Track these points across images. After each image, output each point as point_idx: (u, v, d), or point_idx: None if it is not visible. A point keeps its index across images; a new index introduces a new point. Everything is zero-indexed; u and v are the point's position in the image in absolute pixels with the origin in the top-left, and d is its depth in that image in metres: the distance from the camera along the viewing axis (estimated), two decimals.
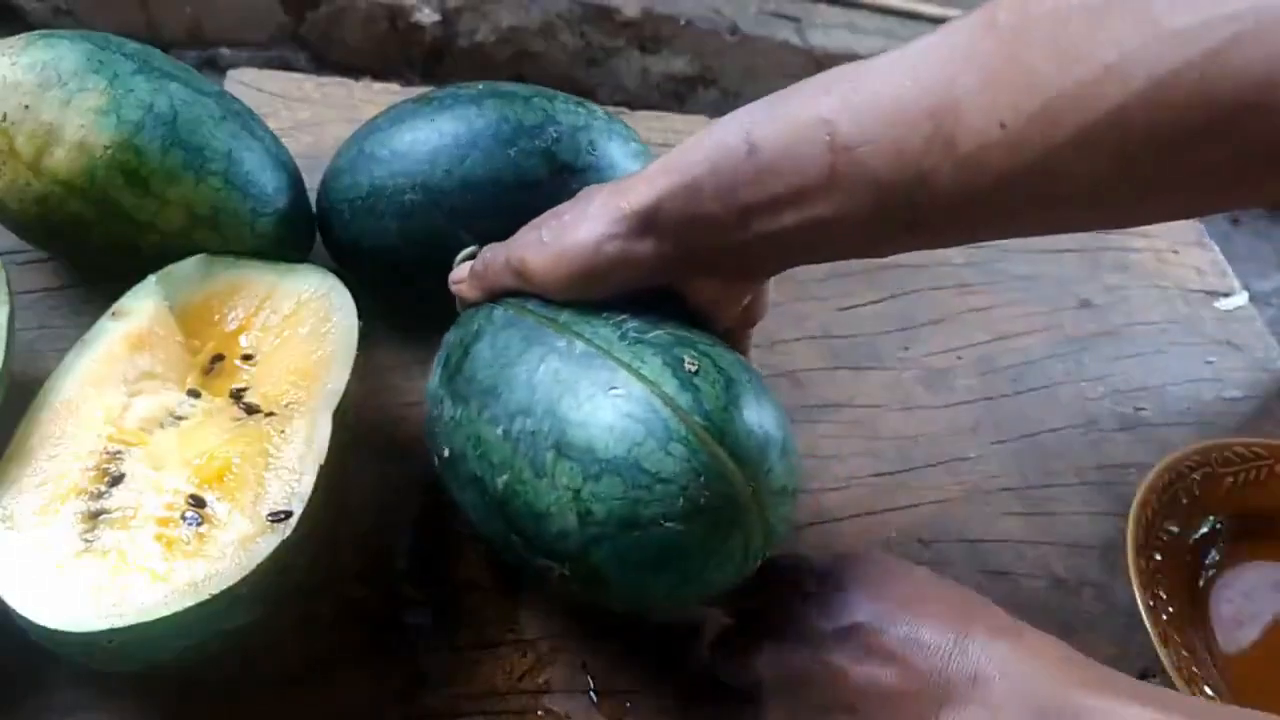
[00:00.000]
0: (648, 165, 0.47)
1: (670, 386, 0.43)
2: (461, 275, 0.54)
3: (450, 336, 0.52)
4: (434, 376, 0.52)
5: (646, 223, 0.45)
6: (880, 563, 0.46)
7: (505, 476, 0.45)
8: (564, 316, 0.47)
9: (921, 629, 0.42)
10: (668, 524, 0.41)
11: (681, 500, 0.41)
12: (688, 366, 0.43)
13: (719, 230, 0.45)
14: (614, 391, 0.43)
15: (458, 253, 0.58)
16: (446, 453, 0.49)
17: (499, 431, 0.45)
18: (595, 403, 0.43)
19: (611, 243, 0.46)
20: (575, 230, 0.47)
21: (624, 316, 0.47)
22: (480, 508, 0.47)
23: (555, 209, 0.49)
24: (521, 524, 0.45)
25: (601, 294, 0.47)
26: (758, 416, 0.43)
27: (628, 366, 0.44)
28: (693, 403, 0.42)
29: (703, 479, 0.41)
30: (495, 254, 0.51)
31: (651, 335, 0.45)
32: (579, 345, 0.45)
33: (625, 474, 0.41)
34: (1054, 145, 0.37)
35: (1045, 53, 0.36)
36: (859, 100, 0.41)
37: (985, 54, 0.38)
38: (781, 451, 0.44)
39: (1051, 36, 0.37)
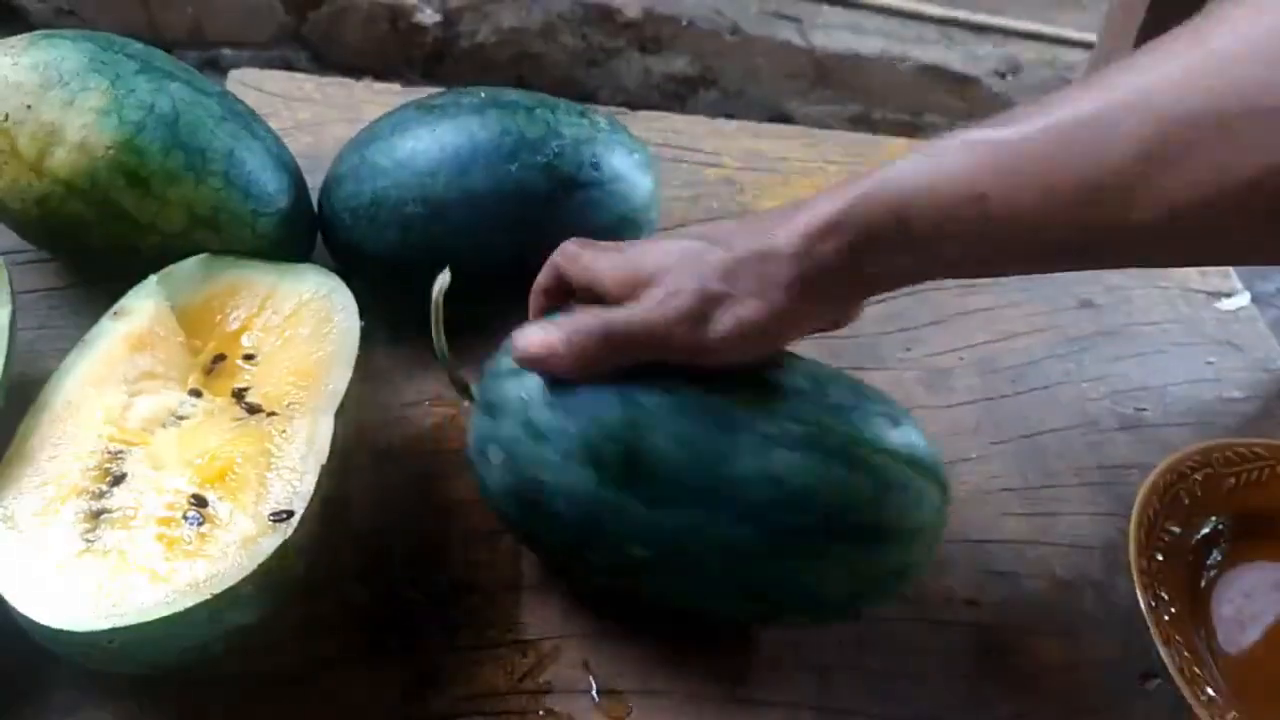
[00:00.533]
0: (792, 216, 0.47)
1: (921, 452, 0.50)
2: (546, 347, 0.47)
3: (561, 423, 0.47)
4: (570, 472, 0.47)
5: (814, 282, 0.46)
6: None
7: (772, 570, 0.47)
8: (735, 397, 0.47)
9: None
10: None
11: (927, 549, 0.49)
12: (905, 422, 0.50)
13: (862, 268, 0.46)
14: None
15: (460, 263, 0.57)
16: (641, 551, 0.47)
17: (747, 530, 0.45)
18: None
19: (802, 291, 0.46)
20: (752, 283, 0.46)
21: (768, 388, 0.48)
22: (706, 593, 0.48)
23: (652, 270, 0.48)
24: (783, 598, 0.48)
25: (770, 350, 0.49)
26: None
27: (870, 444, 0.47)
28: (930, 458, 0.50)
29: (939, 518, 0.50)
30: (615, 326, 0.47)
31: (835, 399, 0.49)
32: (796, 428, 0.46)
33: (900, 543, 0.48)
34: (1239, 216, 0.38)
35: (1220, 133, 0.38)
36: (1015, 180, 0.42)
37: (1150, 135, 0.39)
38: None
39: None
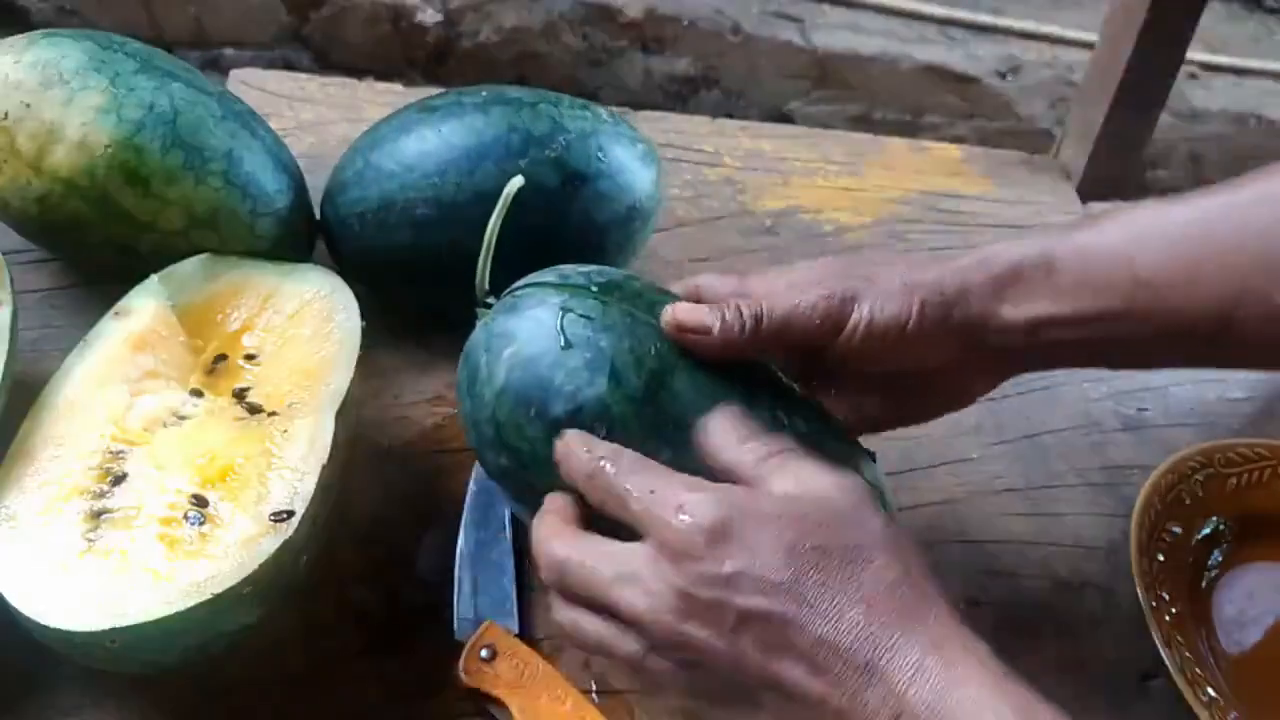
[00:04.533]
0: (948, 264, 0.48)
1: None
2: (699, 324, 0.46)
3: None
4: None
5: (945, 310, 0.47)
6: (795, 518, 0.39)
7: None
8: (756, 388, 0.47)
9: (843, 630, 0.37)
10: None
11: None
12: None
13: (993, 321, 0.47)
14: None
15: (472, 263, 0.57)
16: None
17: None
18: None
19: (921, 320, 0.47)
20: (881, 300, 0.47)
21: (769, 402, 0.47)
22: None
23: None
24: None
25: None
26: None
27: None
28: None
29: None
30: (761, 315, 0.47)
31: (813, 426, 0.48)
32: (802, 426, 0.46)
33: None
34: None
35: None
36: (1166, 248, 0.45)
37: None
38: None
39: None
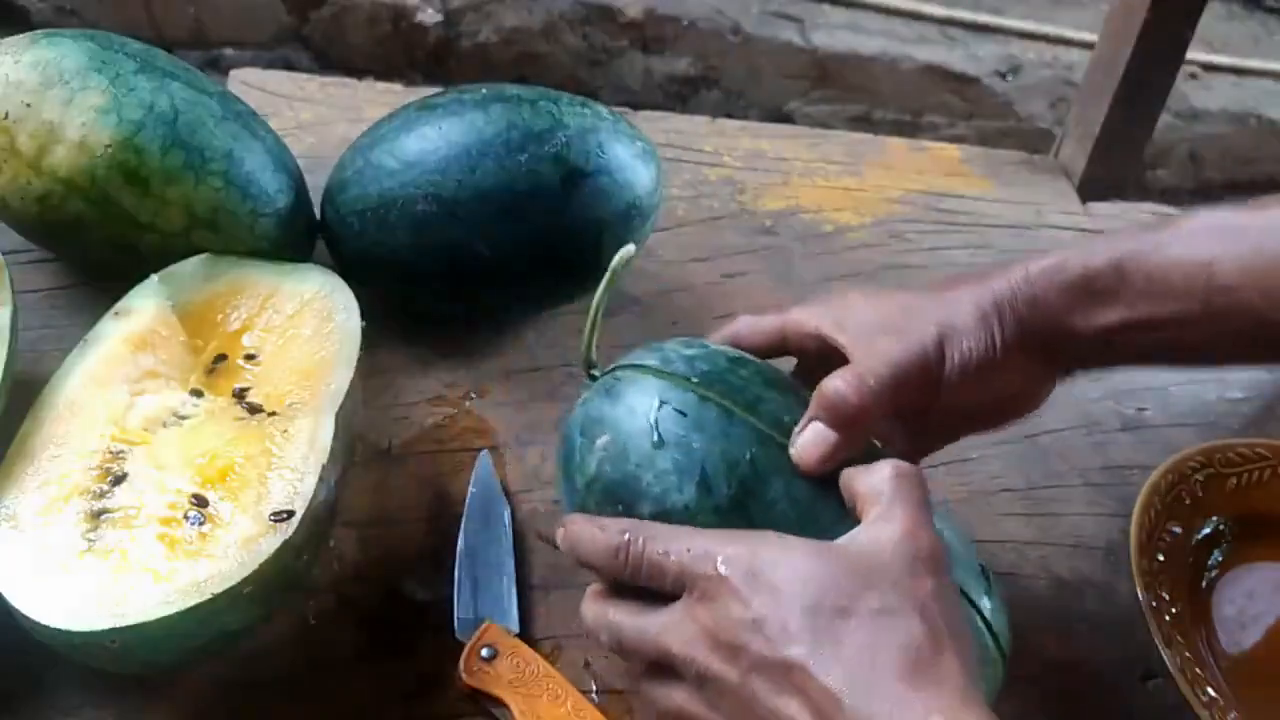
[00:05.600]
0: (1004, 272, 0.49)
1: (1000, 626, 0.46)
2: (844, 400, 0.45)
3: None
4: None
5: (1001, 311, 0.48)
6: (842, 585, 0.40)
7: None
8: None
9: (849, 685, 0.38)
10: None
11: None
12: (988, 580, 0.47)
13: (1066, 332, 0.48)
14: None
15: (473, 261, 0.57)
16: None
17: None
18: None
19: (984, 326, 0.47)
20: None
21: None
22: None
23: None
24: None
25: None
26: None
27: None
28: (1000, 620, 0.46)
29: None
30: (871, 382, 0.46)
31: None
32: None
33: None
34: None
35: None
36: (1247, 255, 0.45)
37: None
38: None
39: None
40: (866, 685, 0.37)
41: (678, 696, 0.42)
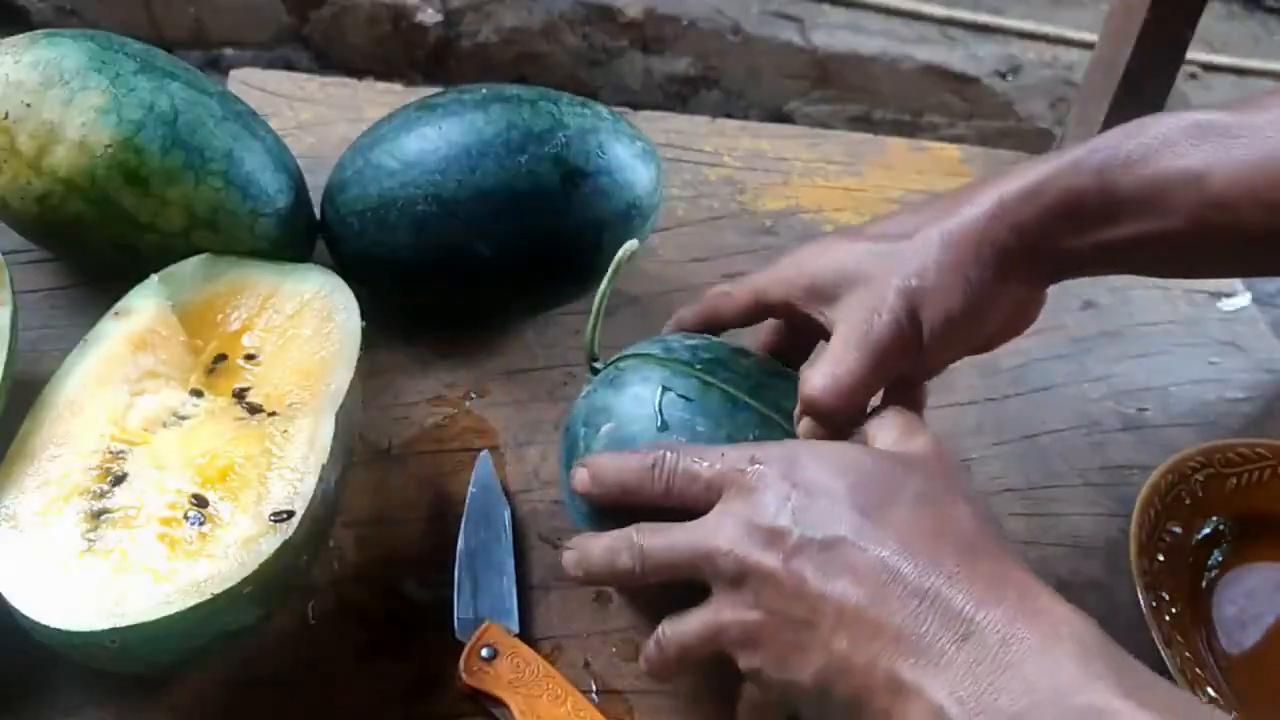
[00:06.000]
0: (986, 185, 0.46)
1: None
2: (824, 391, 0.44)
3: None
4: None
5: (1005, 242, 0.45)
6: (882, 472, 0.39)
7: None
8: None
9: (908, 559, 0.36)
10: None
11: None
12: None
13: (1050, 253, 0.45)
14: None
15: (473, 261, 0.57)
16: None
17: None
18: None
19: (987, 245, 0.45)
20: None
21: None
22: None
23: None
24: None
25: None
26: None
27: None
28: None
29: None
30: (850, 365, 0.45)
31: None
32: None
33: None
34: None
35: None
36: (1232, 161, 0.43)
37: None
38: None
39: None
40: (920, 555, 0.36)
41: (711, 612, 0.40)
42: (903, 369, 0.46)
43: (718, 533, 0.40)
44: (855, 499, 0.38)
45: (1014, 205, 0.45)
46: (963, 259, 0.45)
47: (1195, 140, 0.44)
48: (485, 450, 0.58)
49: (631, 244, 0.50)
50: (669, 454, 0.42)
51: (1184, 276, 0.51)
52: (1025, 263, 0.45)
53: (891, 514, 0.38)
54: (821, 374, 0.45)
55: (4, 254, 0.53)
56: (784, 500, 0.38)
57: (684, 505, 0.42)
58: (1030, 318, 0.51)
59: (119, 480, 0.46)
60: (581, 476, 0.45)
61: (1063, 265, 0.47)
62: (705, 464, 0.41)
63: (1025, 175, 0.45)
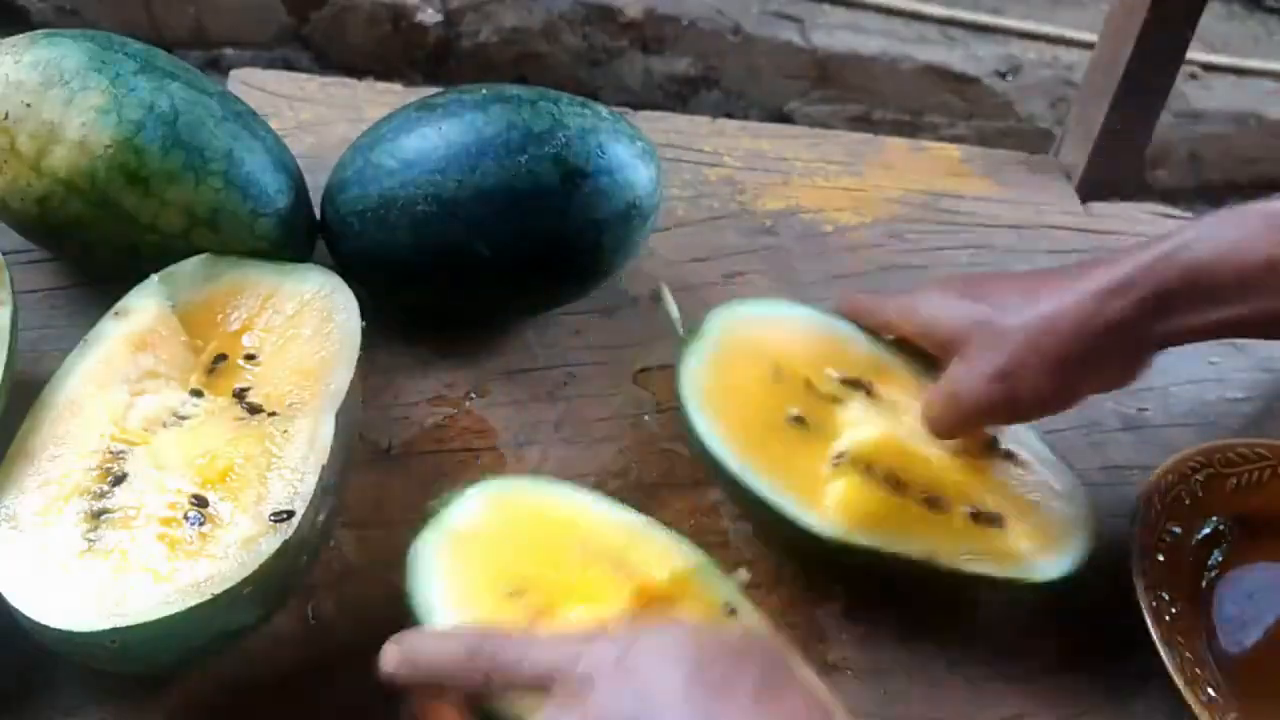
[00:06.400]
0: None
1: None
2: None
3: None
4: None
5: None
6: (718, 660, 0.38)
7: None
8: None
9: None
10: None
11: None
12: None
13: (1145, 338, 0.51)
14: None
15: (473, 261, 0.58)
16: None
17: None
18: None
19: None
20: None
21: None
22: None
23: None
24: None
25: None
26: None
27: None
28: None
29: None
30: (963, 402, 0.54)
31: None
32: None
33: None
34: None
35: None
36: None
37: None
38: None
39: None
40: None
41: None
42: (1000, 421, 0.56)
43: None
44: (692, 693, 0.36)
45: (1106, 300, 0.50)
46: (1058, 351, 0.51)
47: (1276, 230, 0.48)
48: None
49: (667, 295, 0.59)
50: (488, 643, 0.40)
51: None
52: (1117, 348, 0.51)
53: (730, 707, 0.36)
54: (929, 412, 0.55)
55: (4, 254, 0.53)
56: (618, 700, 0.37)
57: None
58: (1129, 380, 0.55)
59: (119, 480, 0.46)
60: (391, 655, 0.42)
61: (1156, 343, 0.51)
62: (528, 661, 0.39)
63: (1116, 269, 0.50)
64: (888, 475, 0.54)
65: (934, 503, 0.55)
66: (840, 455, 0.55)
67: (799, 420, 0.56)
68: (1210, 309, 0.49)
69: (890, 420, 0.57)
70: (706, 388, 0.56)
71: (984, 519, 0.55)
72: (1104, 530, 0.62)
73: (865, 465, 0.54)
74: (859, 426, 0.56)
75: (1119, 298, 0.49)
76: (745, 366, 0.57)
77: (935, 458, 0.56)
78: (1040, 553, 0.54)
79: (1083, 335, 0.50)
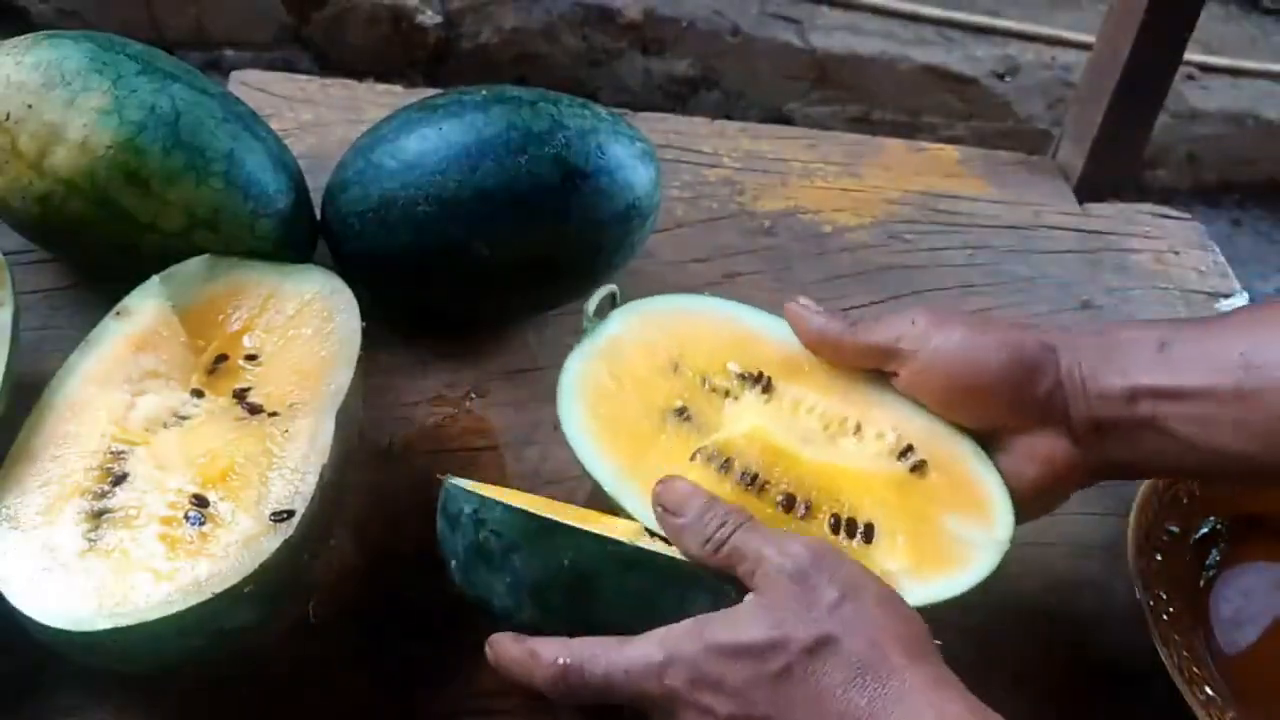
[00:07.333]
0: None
1: None
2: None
3: (528, 558, 0.45)
4: (502, 586, 0.46)
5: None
6: (747, 650, 0.42)
7: None
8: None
9: None
10: None
11: None
12: None
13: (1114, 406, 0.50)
14: None
15: (473, 261, 0.58)
16: None
17: None
18: None
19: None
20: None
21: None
22: None
23: None
24: None
25: None
26: None
27: None
28: None
29: None
30: None
31: None
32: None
33: None
34: None
35: None
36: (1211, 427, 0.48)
37: None
38: None
39: None
40: None
41: None
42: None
43: None
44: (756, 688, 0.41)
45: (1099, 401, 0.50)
46: (1045, 453, 0.52)
47: (1248, 317, 0.51)
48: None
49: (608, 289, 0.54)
50: (575, 670, 0.43)
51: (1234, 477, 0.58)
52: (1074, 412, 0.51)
53: (794, 688, 0.41)
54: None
55: (5, 254, 0.53)
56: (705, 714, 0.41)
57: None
58: (1064, 495, 0.54)
59: (120, 480, 0.46)
60: (492, 658, 0.46)
61: (1103, 419, 0.50)
62: (618, 682, 0.42)
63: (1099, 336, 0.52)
64: (746, 472, 0.50)
65: (792, 506, 0.49)
66: (700, 450, 0.50)
67: (681, 413, 0.52)
68: (1168, 373, 0.49)
69: (778, 417, 0.52)
70: (591, 382, 0.52)
71: (848, 529, 0.49)
72: (1102, 530, 0.62)
73: (724, 461, 0.50)
74: (737, 421, 0.52)
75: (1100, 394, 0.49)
76: (641, 360, 0.53)
77: (813, 460, 0.51)
78: (908, 575, 0.48)
79: (1007, 366, 0.50)
